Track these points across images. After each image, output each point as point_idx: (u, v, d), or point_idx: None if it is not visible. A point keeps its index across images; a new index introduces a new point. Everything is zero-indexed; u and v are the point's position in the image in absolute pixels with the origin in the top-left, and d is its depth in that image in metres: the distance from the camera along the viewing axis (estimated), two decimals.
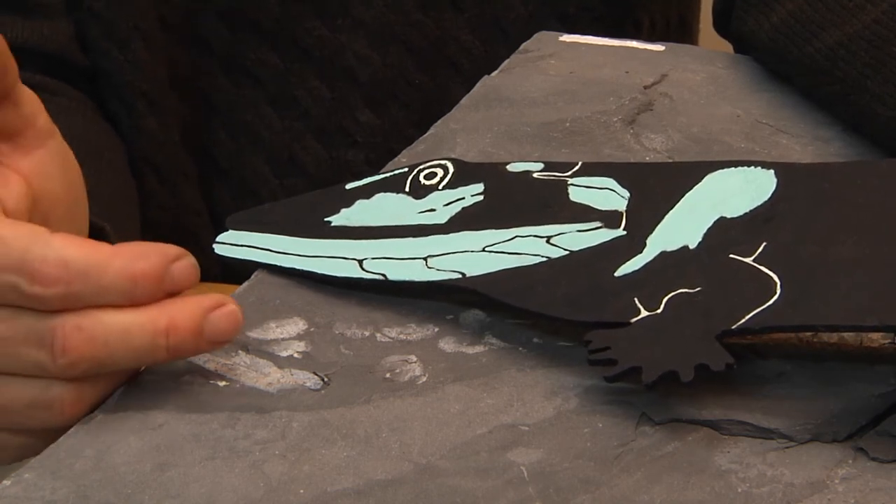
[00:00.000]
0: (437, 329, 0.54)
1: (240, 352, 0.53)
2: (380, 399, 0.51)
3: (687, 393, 0.50)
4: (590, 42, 0.76)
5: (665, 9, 0.95)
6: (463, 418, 0.50)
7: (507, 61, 0.75)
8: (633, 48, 0.76)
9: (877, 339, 0.53)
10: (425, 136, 0.67)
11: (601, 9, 0.87)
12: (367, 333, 0.54)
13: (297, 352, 0.53)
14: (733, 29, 0.77)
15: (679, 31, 0.96)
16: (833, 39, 0.68)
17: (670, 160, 0.65)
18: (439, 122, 0.68)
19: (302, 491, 0.46)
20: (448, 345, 0.54)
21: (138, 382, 0.52)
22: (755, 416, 0.49)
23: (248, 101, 0.86)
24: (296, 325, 0.55)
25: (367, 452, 0.48)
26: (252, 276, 0.58)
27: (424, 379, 0.52)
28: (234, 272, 0.59)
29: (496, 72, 0.73)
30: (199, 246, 0.85)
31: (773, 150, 0.66)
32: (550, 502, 0.46)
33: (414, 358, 0.53)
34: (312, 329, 0.55)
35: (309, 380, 0.52)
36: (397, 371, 0.52)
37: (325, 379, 0.52)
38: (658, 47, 0.76)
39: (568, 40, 0.76)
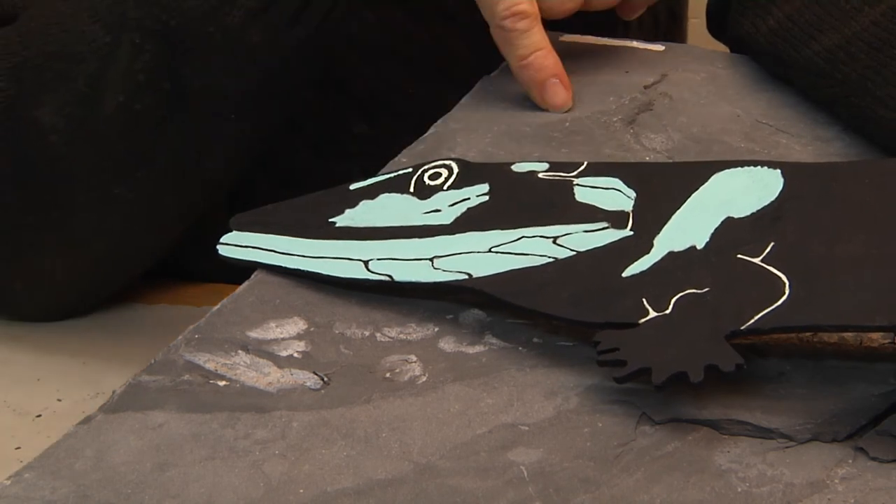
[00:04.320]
0: (437, 329, 0.54)
1: (240, 352, 0.53)
2: (380, 399, 0.51)
3: (687, 392, 0.50)
4: (590, 42, 0.76)
5: (653, 7, 0.95)
6: (463, 418, 0.50)
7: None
8: (633, 48, 0.76)
9: (877, 338, 0.53)
10: (425, 135, 0.67)
11: (592, 13, 0.87)
12: (367, 333, 0.54)
13: (297, 351, 0.53)
14: (729, 32, 0.77)
15: (669, 25, 0.96)
16: (832, 42, 0.68)
17: (670, 160, 0.65)
18: (439, 121, 0.69)
19: (302, 490, 0.46)
20: (448, 344, 0.54)
21: (138, 382, 0.52)
22: (755, 415, 0.49)
23: None
24: (296, 325, 0.55)
25: (366, 452, 0.48)
26: (252, 276, 0.58)
27: (424, 379, 0.52)
28: (235, 272, 0.59)
29: (496, 71, 0.73)
30: (191, 251, 0.84)
31: (773, 149, 0.66)
32: (550, 502, 0.46)
33: (414, 357, 0.53)
34: (312, 329, 0.55)
35: (309, 379, 0.52)
36: (397, 371, 0.52)
37: (325, 379, 0.52)
38: (658, 47, 0.76)
39: (568, 40, 0.76)
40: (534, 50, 0.69)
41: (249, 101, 0.73)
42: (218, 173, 0.76)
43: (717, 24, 0.80)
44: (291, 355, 0.53)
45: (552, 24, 0.72)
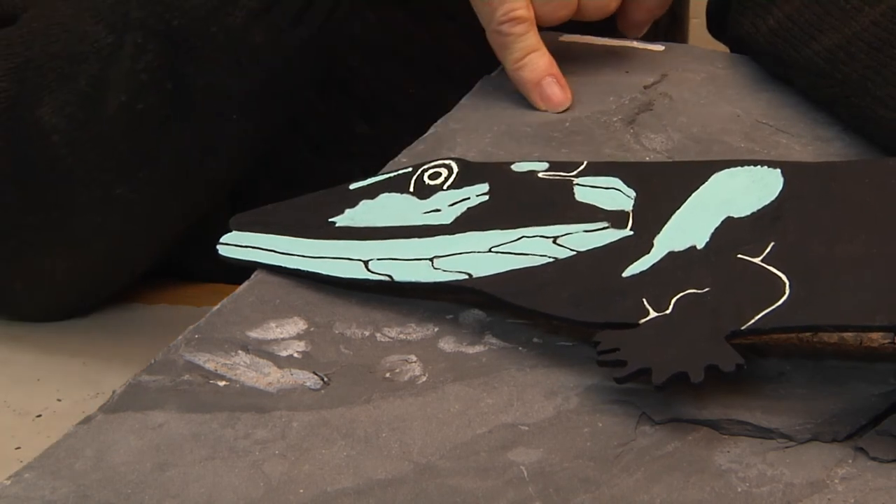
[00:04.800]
0: (436, 329, 0.54)
1: (240, 351, 0.53)
2: (380, 399, 0.51)
3: (687, 392, 0.50)
4: (590, 42, 0.76)
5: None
6: (463, 418, 0.50)
7: None
8: (632, 48, 0.76)
9: (876, 338, 0.53)
10: (425, 135, 0.67)
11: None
12: (366, 333, 0.54)
13: (297, 351, 0.53)
14: (729, 32, 0.77)
15: (669, 26, 0.96)
16: (832, 42, 0.68)
17: (670, 160, 0.65)
18: (439, 121, 0.69)
19: (302, 490, 0.46)
20: (448, 344, 0.54)
21: (138, 382, 0.52)
22: (755, 415, 0.49)
23: None
24: (296, 325, 0.55)
25: (366, 452, 0.48)
26: (252, 276, 0.58)
27: (424, 379, 0.52)
28: (235, 272, 0.59)
29: (496, 71, 0.73)
30: (191, 251, 0.84)
31: (773, 149, 0.66)
32: (550, 502, 0.46)
33: (414, 357, 0.53)
34: (312, 329, 0.55)
35: (309, 379, 0.52)
36: (397, 371, 0.52)
37: (325, 379, 0.52)
38: (658, 47, 0.76)
39: (568, 40, 0.76)
40: (528, 52, 0.70)
41: (252, 101, 0.73)
42: (221, 173, 0.76)
43: (717, 24, 0.80)
44: (291, 355, 0.53)
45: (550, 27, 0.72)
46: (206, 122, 0.72)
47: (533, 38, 0.70)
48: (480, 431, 0.49)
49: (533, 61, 0.70)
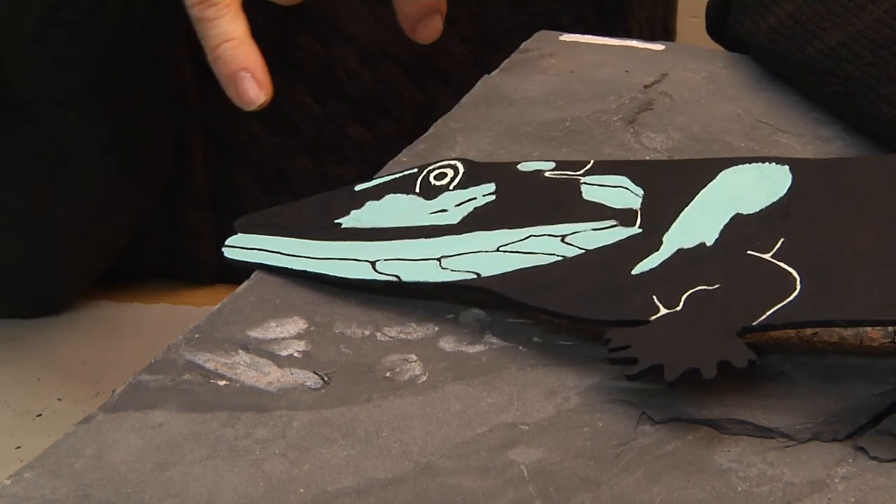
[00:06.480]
0: (437, 328, 0.54)
1: (240, 351, 0.53)
2: (380, 398, 0.51)
3: (687, 392, 0.50)
4: (590, 41, 0.76)
5: (651, 15, 0.95)
6: (463, 417, 0.50)
7: (507, 60, 0.75)
8: (633, 47, 0.76)
9: (877, 337, 0.53)
10: (425, 135, 0.67)
11: (594, 19, 0.87)
12: (367, 332, 0.54)
13: (298, 351, 0.53)
14: (729, 32, 0.77)
15: (663, 36, 0.97)
16: (835, 39, 0.68)
17: (671, 159, 0.65)
18: (439, 120, 0.68)
19: (302, 490, 0.46)
20: (448, 344, 0.54)
21: (138, 382, 0.52)
22: (755, 415, 0.49)
23: (235, 116, 0.84)
24: (296, 325, 0.55)
25: (367, 451, 0.48)
26: (252, 276, 0.58)
27: (424, 378, 0.52)
28: (234, 271, 0.59)
29: (496, 71, 0.73)
30: (178, 264, 0.84)
31: (774, 149, 0.66)
32: (550, 501, 0.46)
33: (414, 357, 0.53)
34: (312, 328, 0.55)
35: (309, 379, 0.52)
36: (397, 370, 0.52)
37: (326, 378, 0.52)
38: (658, 46, 0.76)
39: (568, 39, 0.76)
40: (222, 41, 0.64)
41: (76, 100, 0.70)
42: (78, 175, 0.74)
43: (717, 26, 0.80)
44: (291, 355, 0.53)
45: (550, 23, 0.72)
46: (41, 129, 0.70)
47: (228, 25, 0.63)
48: (480, 431, 0.49)
49: (227, 52, 0.64)
